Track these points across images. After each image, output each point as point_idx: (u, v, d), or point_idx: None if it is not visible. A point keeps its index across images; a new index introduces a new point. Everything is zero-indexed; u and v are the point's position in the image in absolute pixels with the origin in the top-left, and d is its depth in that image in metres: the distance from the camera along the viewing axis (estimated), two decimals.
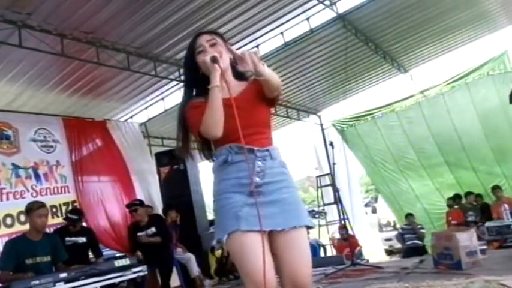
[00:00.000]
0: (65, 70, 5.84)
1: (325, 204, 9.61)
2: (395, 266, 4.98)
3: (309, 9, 6.80)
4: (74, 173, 5.94)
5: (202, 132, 1.58)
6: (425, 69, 10.50)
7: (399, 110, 9.53)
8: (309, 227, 1.66)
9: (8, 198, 5.17)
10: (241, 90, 1.68)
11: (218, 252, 6.17)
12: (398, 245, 9.29)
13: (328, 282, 4.55)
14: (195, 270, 5.69)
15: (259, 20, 6.32)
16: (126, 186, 6.56)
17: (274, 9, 6.20)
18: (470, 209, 7.97)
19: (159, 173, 7.14)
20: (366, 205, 14.99)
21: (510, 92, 4.73)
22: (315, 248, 7.82)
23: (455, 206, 8.30)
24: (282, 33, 7.27)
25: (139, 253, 5.07)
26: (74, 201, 5.79)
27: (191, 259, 5.75)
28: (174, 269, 5.59)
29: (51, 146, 5.85)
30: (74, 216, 4.98)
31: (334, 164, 6.13)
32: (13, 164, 5.32)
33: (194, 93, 1.73)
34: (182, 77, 6.70)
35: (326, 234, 9.79)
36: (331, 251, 8.74)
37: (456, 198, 8.39)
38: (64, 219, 5.19)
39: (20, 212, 4.96)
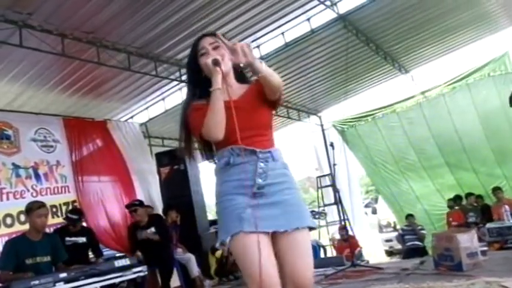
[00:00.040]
0: (66, 70, 5.84)
1: (325, 205, 9.60)
2: (396, 267, 4.98)
3: (309, 9, 6.80)
4: (74, 173, 5.94)
5: (203, 135, 1.58)
6: (426, 70, 10.51)
7: (400, 111, 9.51)
8: (311, 228, 1.66)
9: (8, 198, 5.17)
10: (242, 93, 1.68)
11: (218, 253, 6.16)
12: (399, 246, 9.27)
13: (328, 283, 4.55)
14: (195, 270, 5.68)
15: (259, 20, 6.32)
16: (127, 186, 6.56)
17: (275, 9, 6.20)
18: (470, 210, 7.96)
19: (159, 173, 7.14)
20: (366, 206, 14.97)
21: (510, 95, 4.72)
22: (315, 248, 7.79)
23: (456, 207, 8.29)
24: (282, 33, 7.27)
25: (139, 253, 5.06)
26: (74, 201, 5.79)
27: (191, 259, 5.74)
28: (174, 269, 5.58)
29: (52, 146, 5.85)
30: (74, 216, 4.97)
31: (334, 164, 6.14)
32: (13, 164, 5.32)
33: (197, 94, 1.73)
34: (183, 77, 6.72)
35: (326, 235, 9.78)
36: (331, 252, 8.73)
37: (457, 199, 8.38)
38: (64, 219, 5.19)
39: (20, 212, 4.96)
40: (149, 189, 6.97)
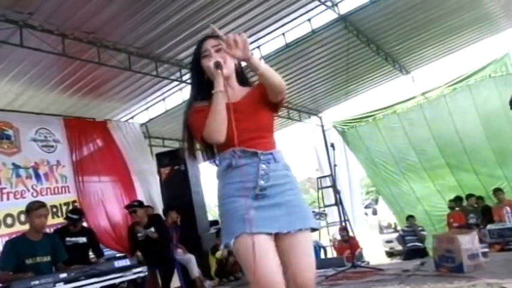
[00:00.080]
0: (66, 70, 5.84)
1: (325, 206, 9.60)
2: (396, 268, 4.97)
3: (310, 10, 6.80)
4: (75, 173, 5.94)
5: (205, 137, 1.59)
6: (427, 70, 10.52)
7: (400, 112, 9.50)
8: (314, 229, 1.66)
9: (8, 198, 5.17)
10: (243, 95, 1.69)
11: (218, 253, 6.15)
12: (399, 247, 9.26)
13: (329, 284, 4.54)
14: (195, 271, 5.67)
15: (260, 20, 6.32)
16: (127, 186, 6.56)
17: (276, 10, 6.20)
18: (471, 211, 7.94)
19: (159, 173, 7.14)
20: (367, 207, 14.97)
21: (511, 99, 4.70)
22: (315, 249, 7.77)
23: (457, 208, 8.26)
24: (283, 34, 7.27)
25: (139, 254, 5.06)
26: (74, 201, 5.79)
27: (191, 260, 5.74)
28: (175, 270, 5.58)
29: (52, 146, 5.85)
30: (75, 216, 4.97)
31: (335, 165, 6.12)
32: (14, 164, 5.32)
33: (199, 96, 1.73)
34: (183, 78, 6.72)
35: (326, 235, 9.77)
36: (331, 253, 8.71)
37: (457, 200, 8.36)
38: (65, 218, 5.18)
39: (21, 212, 4.95)
40: (149, 189, 6.97)
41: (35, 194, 5.40)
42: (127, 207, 5.78)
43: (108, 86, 6.69)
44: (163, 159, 7.19)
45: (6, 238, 4.69)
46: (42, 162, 5.63)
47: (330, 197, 9.67)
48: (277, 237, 1.56)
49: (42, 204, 3.89)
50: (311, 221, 1.65)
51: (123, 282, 3.82)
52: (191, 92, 1.79)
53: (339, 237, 8.28)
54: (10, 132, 5.40)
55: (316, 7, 6.74)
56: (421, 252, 7.45)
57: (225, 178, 1.63)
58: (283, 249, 1.56)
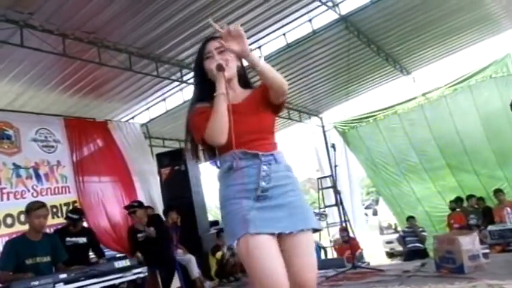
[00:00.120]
0: (67, 70, 5.84)
1: (326, 206, 9.59)
2: (397, 269, 4.96)
3: (311, 10, 6.80)
4: (75, 173, 5.93)
5: (206, 139, 1.59)
6: (428, 71, 10.51)
7: (401, 112, 9.49)
8: (316, 230, 1.66)
9: (8, 198, 5.16)
10: (246, 96, 1.69)
11: (219, 254, 6.15)
12: (400, 248, 9.25)
13: (329, 285, 4.54)
14: (195, 271, 5.67)
15: (261, 21, 6.31)
16: (127, 186, 6.55)
17: (277, 10, 6.20)
18: (472, 212, 7.93)
19: (160, 173, 7.14)
20: (367, 207, 14.96)
21: (511, 102, 4.70)
22: (315, 250, 7.77)
23: (457, 209, 8.25)
24: (284, 34, 7.26)
25: (139, 254, 5.05)
26: (74, 202, 5.78)
27: (191, 260, 5.73)
28: (175, 271, 5.57)
29: (52, 146, 5.85)
30: (75, 216, 4.97)
31: (335, 166, 6.11)
32: (14, 164, 5.31)
33: (202, 97, 1.73)
34: (184, 78, 6.72)
35: (327, 236, 9.76)
36: (332, 254, 8.71)
37: (458, 201, 8.34)
38: (65, 218, 5.18)
39: (21, 212, 4.94)
40: (150, 189, 6.96)
41: (35, 194, 5.39)
42: (126, 207, 5.77)
43: (108, 86, 6.69)
44: (164, 159, 7.19)
45: (6, 238, 4.68)
46: (42, 163, 5.63)
47: (330, 197, 9.66)
48: (279, 237, 1.57)
49: (42, 205, 3.89)
50: (313, 222, 1.65)
51: (123, 282, 3.82)
52: (194, 93, 1.80)
53: (339, 237, 8.27)
54: (10, 132, 5.40)
55: (317, 7, 6.74)
56: (421, 253, 7.43)
57: (226, 180, 1.63)
58: (285, 249, 1.56)
